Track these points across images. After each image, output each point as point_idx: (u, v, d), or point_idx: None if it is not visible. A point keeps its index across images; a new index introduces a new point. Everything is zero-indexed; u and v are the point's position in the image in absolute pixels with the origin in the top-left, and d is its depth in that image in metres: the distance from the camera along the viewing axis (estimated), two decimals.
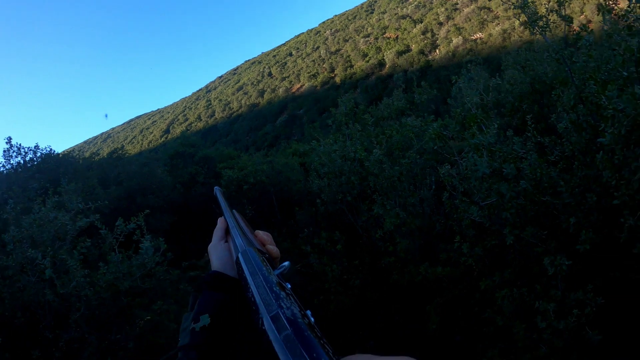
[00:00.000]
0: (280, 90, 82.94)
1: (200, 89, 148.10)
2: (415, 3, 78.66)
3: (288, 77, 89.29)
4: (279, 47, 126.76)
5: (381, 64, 67.96)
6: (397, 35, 72.80)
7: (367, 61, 70.93)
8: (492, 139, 3.77)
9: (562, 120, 4.44)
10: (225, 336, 0.83)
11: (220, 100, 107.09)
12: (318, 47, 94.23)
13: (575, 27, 4.95)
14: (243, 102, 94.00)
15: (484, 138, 3.72)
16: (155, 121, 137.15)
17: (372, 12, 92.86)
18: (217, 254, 1.00)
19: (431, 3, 75.43)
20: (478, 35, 58.81)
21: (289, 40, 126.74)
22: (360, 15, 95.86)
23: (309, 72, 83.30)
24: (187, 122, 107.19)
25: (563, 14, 4.87)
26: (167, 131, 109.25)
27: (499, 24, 56.82)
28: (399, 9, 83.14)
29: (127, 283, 5.61)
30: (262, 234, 1.01)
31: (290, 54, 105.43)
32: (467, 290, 4.93)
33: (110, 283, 5.54)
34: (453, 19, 66.76)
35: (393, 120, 9.12)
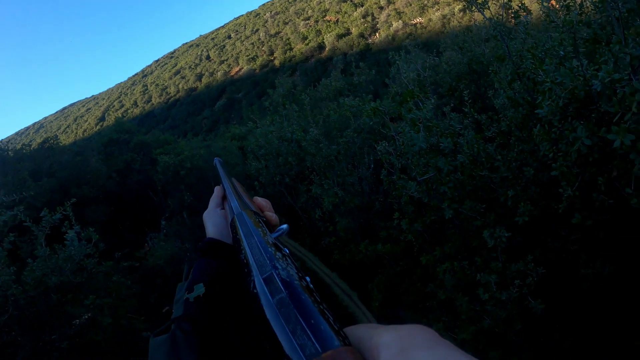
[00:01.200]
0: (219, 73, 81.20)
1: (136, 74, 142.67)
2: None
3: (227, 60, 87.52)
4: (218, 29, 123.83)
5: (321, 47, 67.91)
6: (338, 19, 72.87)
7: (307, 44, 70.65)
8: (429, 114, 3.70)
9: (498, 97, 4.43)
10: (221, 306, 0.80)
11: (157, 85, 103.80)
12: (257, 30, 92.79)
13: (514, 6, 4.93)
14: (180, 86, 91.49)
15: (420, 113, 3.63)
16: (89, 109, 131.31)
17: None
18: (212, 220, 0.97)
19: None
20: (418, 20, 59.80)
21: (227, 23, 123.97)
22: None
23: (248, 55, 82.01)
24: (123, 109, 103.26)
25: None
26: (102, 119, 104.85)
27: (438, 9, 57.95)
28: None
29: (55, 279, 5.18)
30: (260, 200, 0.98)
31: (229, 37, 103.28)
32: (408, 266, 4.94)
33: (39, 280, 5.10)
34: (394, 3, 67.47)
35: (331, 101, 8.98)
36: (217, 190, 1.09)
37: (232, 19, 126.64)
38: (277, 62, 72.24)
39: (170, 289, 7.35)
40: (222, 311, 0.80)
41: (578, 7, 4.28)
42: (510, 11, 4.95)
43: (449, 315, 3.81)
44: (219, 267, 0.85)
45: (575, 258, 3.54)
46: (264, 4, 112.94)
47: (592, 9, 4.58)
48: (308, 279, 0.52)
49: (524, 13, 4.84)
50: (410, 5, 63.57)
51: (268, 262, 0.55)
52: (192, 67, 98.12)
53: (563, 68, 3.15)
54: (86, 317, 5.48)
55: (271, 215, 0.91)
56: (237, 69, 79.41)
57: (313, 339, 0.39)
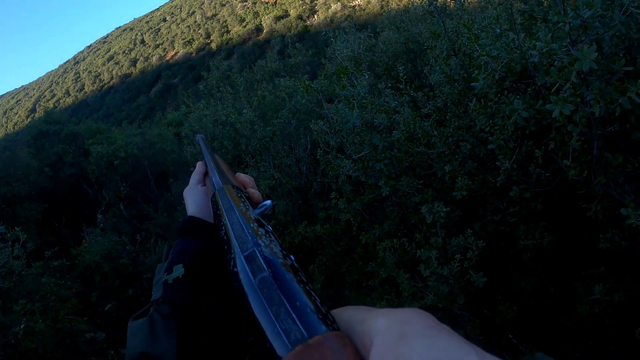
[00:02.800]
0: (154, 58, 78.47)
1: (67, 61, 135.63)
2: None
3: (162, 44, 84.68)
4: (153, 12, 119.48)
5: (259, 29, 67.00)
6: (276, 0, 71.95)
7: (245, 26, 69.48)
8: (363, 90, 3.60)
9: (434, 74, 4.41)
10: (202, 287, 0.77)
11: (90, 72, 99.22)
12: (194, 12, 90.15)
13: None
14: (114, 72, 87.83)
15: (354, 90, 3.53)
16: (19, 100, 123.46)
17: None
18: (193, 197, 0.93)
19: None
20: (357, 2, 60.00)
21: (163, 5, 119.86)
22: None
23: (184, 39, 79.69)
24: (55, 99, 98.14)
25: None
26: (33, 110, 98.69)
27: None
28: None
29: None
30: (243, 176, 0.94)
31: (164, 20, 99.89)
32: (349, 246, 4.92)
33: None
34: None
35: (267, 83, 8.79)
36: (199, 165, 1.04)
37: (167, 1, 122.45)
38: (213, 45, 70.65)
39: (109, 286, 6.99)
40: (203, 293, 0.77)
41: None
42: None
43: (392, 293, 3.79)
44: (200, 247, 0.82)
45: (515, 230, 3.58)
46: None
47: None
48: (292, 257, 0.48)
49: None
50: None
51: (250, 238, 0.51)
52: (126, 52, 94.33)
53: (499, 42, 3.13)
54: (23, 324, 5.13)
55: (254, 191, 0.87)
56: (172, 53, 77.05)
57: (298, 323, 0.36)
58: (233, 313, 0.77)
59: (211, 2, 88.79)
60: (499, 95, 3.11)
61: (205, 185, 0.98)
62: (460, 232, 3.34)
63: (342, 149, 4.13)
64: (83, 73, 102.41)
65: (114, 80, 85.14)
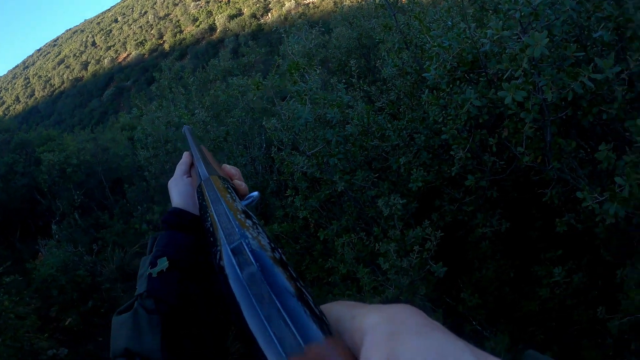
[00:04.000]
0: (106, 60, 76.39)
1: (17, 66, 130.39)
2: None
3: (114, 46, 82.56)
4: (104, 13, 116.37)
5: (212, 28, 66.18)
6: None
7: (198, 26, 68.53)
8: (315, 85, 3.57)
9: (387, 67, 4.42)
10: (188, 281, 0.75)
11: (40, 76, 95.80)
12: (146, 12, 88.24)
13: None
14: (65, 77, 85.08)
15: (306, 85, 3.50)
16: None
17: None
18: (178, 189, 0.90)
19: None
20: (310, 0, 60.03)
21: (114, 6, 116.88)
22: None
23: (136, 40, 77.89)
24: (5, 106, 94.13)
25: None
26: None
27: None
28: None
29: None
30: (229, 167, 0.92)
31: (116, 21, 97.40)
32: (307, 243, 4.90)
33: None
34: None
35: (220, 82, 8.67)
36: (185, 156, 1.00)
37: (119, 1, 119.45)
38: (167, 46, 69.37)
39: (68, 299, 6.73)
40: (189, 288, 0.75)
41: None
42: None
43: (353, 288, 3.79)
44: (185, 240, 0.79)
45: (472, 219, 3.62)
46: None
47: None
48: (280, 251, 0.44)
49: None
50: None
51: (237, 230, 0.47)
52: (77, 55, 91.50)
53: (450, 32, 3.15)
54: None
55: (240, 184, 0.85)
56: (125, 54, 75.18)
57: (293, 328, 0.32)
58: (221, 309, 0.75)
59: (163, 1, 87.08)
60: (451, 85, 3.12)
61: (190, 176, 0.95)
62: (419, 223, 3.35)
63: (296, 147, 4.09)
64: (33, 78, 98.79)
65: (65, 85, 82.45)
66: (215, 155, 6.05)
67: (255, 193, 0.75)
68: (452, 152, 3.15)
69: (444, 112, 3.26)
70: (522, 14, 2.44)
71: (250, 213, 0.55)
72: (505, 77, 2.55)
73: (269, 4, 64.72)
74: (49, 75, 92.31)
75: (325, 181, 3.91)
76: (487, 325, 3.49)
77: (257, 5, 64.83)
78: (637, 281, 2.59)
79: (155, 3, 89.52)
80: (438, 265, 3.10)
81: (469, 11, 3.62)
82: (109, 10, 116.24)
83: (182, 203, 0.86)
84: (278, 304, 0.34)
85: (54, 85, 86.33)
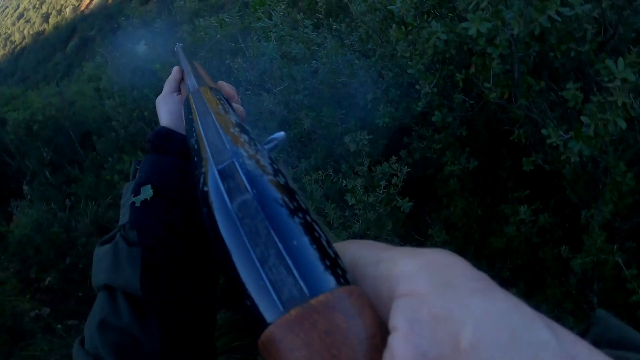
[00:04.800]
0: (67, 10, 72.66)
1: None
2: None
3: None
4: None
5: None
6: None
7: None
8: (280, 20, 3.48)
9: (355, 3, 4.35)
10: (173, 211, 0.68)
11: None
12: None
13: None
14: (26, 32, 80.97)
15: (270, 21, 3.41)
16: None
17: None
18: (167, 107, 0.82)
19: None
20: None
21: None
22: None
23: None
24: None
25: None
26: None
27: None
28: None
29: None
30: (226, 86, 0.84)
31: None
32: None
33: None
34: None
35: (187, 24, 8.45)
36: (175, 71, 0.92)
37: None
38: None
39: (45, 258, 6.71)
40: (175, 218, 0.68)
41: None
42: None
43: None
44: (172, 163, 0.72)
45: (441, 157, 3.60)
46: None
47: None
48: (285, 175, 0.35)
49: None
50: None
51: (228, 146, 0.37)
52: (37, 6, 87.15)
53: None
54: None
55: (238, 106, 0.79)
56: (87, 2, 71.88)
57: (296, 274, 0.24)
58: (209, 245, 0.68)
59: None
60: (418, 19, 3.07)
61: (181, 93, 0.88)
62: (387, 161, 3.37)
63: (264, 87, 4.04)
64: None
65: (26, 41, 78.52)
66: None
67: (281, 133, 0.62)
68: (417, 87, 3.13)
69: (411, 47, 3.22)
70: None
71: (247, 128, 0.45)
72: (470, 8, 2.52)
73: None
74: (9, 31, 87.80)
75: (293, 120, 3.87)
76: None
77: None
78: (600, 223, 2.65)
79: None
80: (404, 200, 3.14)
81: None
82: None
83: (170, 122, 0.79)
84: (278, 243, 0.27)
85: (15, 41, 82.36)
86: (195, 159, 0.43)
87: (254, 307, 0.25)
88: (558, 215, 3.27)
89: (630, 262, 2.63)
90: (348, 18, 5.12)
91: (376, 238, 3.31)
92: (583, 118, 2.24)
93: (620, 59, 2.06)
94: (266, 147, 0.51)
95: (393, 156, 3.32)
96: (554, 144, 2.44)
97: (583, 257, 2.69)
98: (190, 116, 0.58)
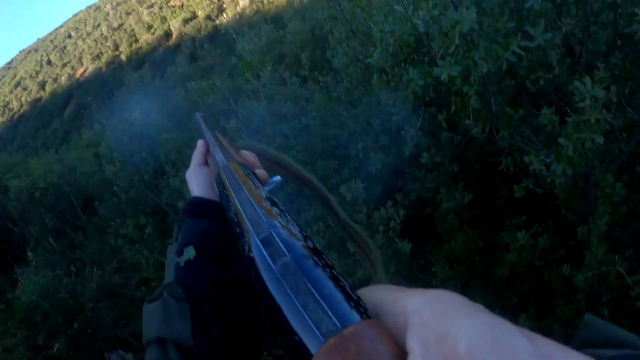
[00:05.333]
0: (63, 78, 74.04)
1: None
2: None
3: (69, 62, 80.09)
4: (57, 29, 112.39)
5: (168, 34, 64.70)
6: (182, 3, 69.97)
7: (153, 33, 66.97)
8: (268, 81, 3.63)
9: (337, 56, 4.50)
10: (214, 269, 0.76)
11: None
12: (99, 25, 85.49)
13: None
14: (24, 99, 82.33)
15: (259, 82, 3.56)
16: None
17: None
18: (197, 179, 0.90)
19: None
20: None
21: (67, 21, 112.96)
22: None
23: (92, 54, 75.79)
24: None
25: None
26: None
27: None
28: None
29: None
30: (247, 154, 0.91)
31: (70, 36, 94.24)
32: None
33: None
34: None
35: (179, 88, 8.66)
36: (200, 145, 0.99)
37: (71, 16, 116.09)
38: (123, 57, 67.30)
39: (53, 324, 6.68)
40: (216, 274, 0.76)
41: None
42: None
43: None
44: (209, 227, 0.80)
45: (436, 195, 3.71)
46: None
47: None
48: (312, 239, 0.43)
49: None
50: None
51: (264, 219, 0.46)
52: (34, 75, 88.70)
53: (391, 17, 3.23)
54: None
55: (261, 171, 0.85)
56: (82, 70, 72.94)
57: (330, 313, 0.32)
58: (251, 295, 0.77)
59: (116, 12, 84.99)
60: (395, 68, 3.21)
61: (208, 165, 0.95)
62: (382, 203, 3.44)
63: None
64: None
65: (24, 108, 79.79)
66: (184, 161, 6.04)
67: (277, 177, 0.74)
68: (402, 133, 3.24)
69: (393, 94, 3.36)
70: None
71: (276, 200, 0.53)
72: (439, 54, 2.66)
73: (223, 4, 63.76)
74: (7, 99, 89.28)
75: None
76: (462, 295, 3.61)
77: (211, 6, 63.83)
78: (598, 236, 2.71)
79: (107, 14, 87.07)
80: (404, 242, 3.20)
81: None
82: (61, 26, 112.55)
83: (202, 192, 0.86)
84: (314, 292, 0.34)
85: (13, 109, 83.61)
86: (237, 230, 0.51)
87: (301, 341, 0.33)
88: (558, 234, 3.34)
89: (634, 269, 2.67)
90: (332, 71, 5.31)
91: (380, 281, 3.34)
92: (561, 140, 2.34)
93: (588, 78, 2.18)
94: (266, 188, 0.64)
95: (389, 200, 3.40)
96: (537, 169, 2.54)
97: (585, 273, 2.75)
98: (224, 191, 0.64)
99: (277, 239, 0.41)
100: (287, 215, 0.48)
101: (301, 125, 3.53)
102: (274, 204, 0.51)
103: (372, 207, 3.56)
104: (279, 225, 0.44)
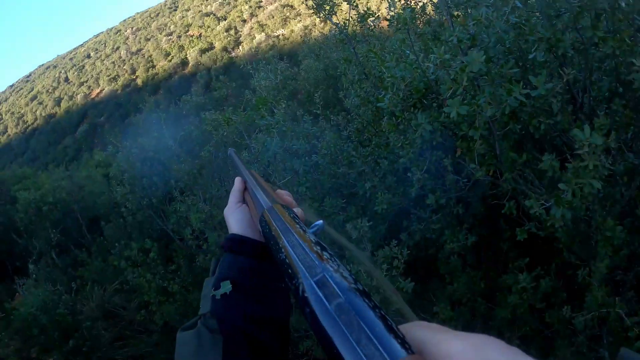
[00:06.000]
0: (79, 96, 75.25)
1: None
2: (220, 0, 78.00)
3: (86, 81, 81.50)
4: (77, 48, 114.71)
5: (184, 62, 65.92)
6: (201, 33, 71.47)
7: (170, 60, 68.24)
8: (282, 118, 3.76)
9: (349, 97, 4.63)
10: (250, 304, 0.79)
11: (12, 113, 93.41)
12: (118, 48, 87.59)
13: (362, 11, 5.19)
14: (38, 113, 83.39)
15: (272, 119, 3.69)
16: None
17: (175, 10, 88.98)
18: (235, 217, 0.92)
19: (235, 0, 75.40)
20: (280, 32, 60.57)
21: (87, 41, 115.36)
22: (164, 13, 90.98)
23: (109, 75, 77.05)
24: None
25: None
26: None
27: (300, 21, 59.02)
28: (202, 6, 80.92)
29: None
30: (283, 193, 0.95)
31: (89, 56, 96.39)
32: None
33: None
34: (256, 16, 67.63)
35: (193, 117, 8.81)
36: (238, 183, 1.03)
37: (91, 36, 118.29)
38: (139, 81, 68.65)
39: (49, 339, 6.63)
40: (251, 310, 0.78)
41: (420, 9, 4.62)
42: (355, 16, 5.21)
43: None
44: (248, 264, 0.83)
45: (440, 236, 3.79)
46: (124, 20, 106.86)
47: (432, 10, 5.05)
48: (360, 282, 0.47)
49: (371, 18, 5.17)
50: (273, 17, 64.17)
51: (317, 263, 0.50)
52: (50, 91, 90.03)
53: (402, 63, 3.36)
54: None
55: (298, 211, 0.87)
56: (98, 90, 74.30)
57: (380, 349, 0.36)
58: (284, 332, 0.81)
59: (136, 37, 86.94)
60: (405, 112, 3.34)
61: (245, 203, 0.97)
62: (386, 242, 3.51)
63: (267, 178, 4.24)
64: (6, 115, 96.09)
65: (38, 122, 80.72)
66: (193, 191, 6.12)
67: (320, 222, 0.75)
68: (409, 174, 3.34)
69: (402, 137, 3.48)
70: (459, 39, 2.69)
71: (324, 245, 0.56)
72: (448, 95, 2.77)
73: (240, 37, 65.15)
74: (22, 111, 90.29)
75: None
76: None
77: (228, 39, 65.18)
78: (599, 279, 2.76)
79: (127, 38, 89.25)
80: (407, 281, 3.26)
81: (417, 43, 3.88)
82: (81, 45, 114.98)
83: (241, 230, 0.89)
84: (366, 329, 0.38)
85: (27, 122, 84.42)
86: (289, 271, 0.54)
87: None
88: (560, 277, 3.40)
89: (636, 311, 2.72)
90: (344, 111, 5.45)
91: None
92: (561, 185, 2.43)
93: (587, 126, 2.28)
94: (311, 231, 0.65)
95: (393, 240, 3.47)
96: (537, 213, 2.61)
97: (585, 315, 2.79)
98: (271, 233, 0.66)
99: (331, 281, 0.46)
100: (336, 259, 0.51)
101: (311, 162, 3.63)
102: (323, 248, 0.54)
103: (376, 245, 3.62)
104: (331, 268, 0.48)
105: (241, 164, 1.15)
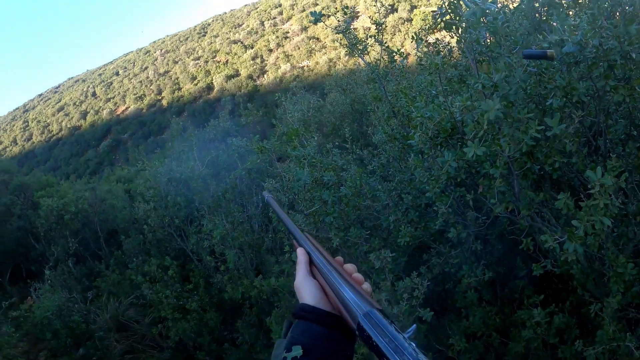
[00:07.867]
0: (105, 112, 76.88)
1: (17, 108, 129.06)
2: (248, 29, 79.92)
3: (113, 98, 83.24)
4: (106, 65, 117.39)
5: (209, 87, 67.18)
6: (227, 60, 73.06)
7: (196, 84, 69.62)
8: (313, 150, 3.94)
9: (377, 133, 4.80)
10: None
11: (39, 121, 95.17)
12: (147, 68, 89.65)
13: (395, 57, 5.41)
14: (64, 124, 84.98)
15: (305, 150, 3.87)
16: None
17: (204, 35, 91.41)
18: (308, 291, 0.95)
19: (263, 30, 77.18)
20: (305, 63, 61.63)
21: (117, 59, 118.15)
22: (193, 37, 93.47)
23: (135, 94, 78.69)
24: (1, 147, 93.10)
25: (380, 39, 5.27)
26: None
27: (325, 53, 60.21)
28: (231, 33, 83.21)
29: None
30: (350, 267, 0.98)
31: (117, 74, 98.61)
32: None
33: None
34: (283, 46, 69.07)
35: (219, 142, 9.05)
36: (301, 254, 1.06)
37: (121, 55, 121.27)
38: (165, 102, 70.01)
39: (60, 344, 6.68)
40: None
41: (447, 52, 4.82)
42: (386, 56, 5.42)
43: None
44: (319, 331, 0.86)
45: (458, 270, 3.90)
46: (154, 42, 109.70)
47: (458, 53, 5.25)
48: None
49: (400, 58, 5.39)
50: (299, 48, 65.52)
51: None
52: (77, 103, 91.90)
53: (432, 104, 3.53)
54: None
55: (368, 287, 0.92)
56: (123, 107, 75.89)
57: None
58: None
59: (164, 58, 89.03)
60: (432, 150, 3.50)
61: (313, 276, 1.00)
62: (409, 276, 3.61)
63: (293, 206, 4.39)
64: (32, 122, 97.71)
65: (63, 132, 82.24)
66: (215, 213, 6.28)
67: (414, 326, 0.77)
68: (434, 208, 3.47)
69: (427, 173, 3.62)
70: (483, 85, 2.88)
71: (416, 346, 0.64)
72: (470, 137, 2.93)
73: (265, 66, 66.38)
74: (48, 121, 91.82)
75: (321, 238, 4.16)
76: None
77: (254, 67, 66.47)
78: (610, 315, 2.85)
79: (156, 60, 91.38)
80: (426, 310, 3.35)
81: (445, 87, 4.05)
82: (111, 62, 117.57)
83: (314, 302, 0.91)
84: None
85: (52, 131, 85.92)
86: None
87: None
88: (574, 314, 3.47)
89: None
90: (370, 145, 5.61)
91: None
92: (574, 222, 2.56)
93: (599, 168, 2.43)
94: (407, 334, 0.70)
95: (414, 272, 3.58)
96: (551, 247, 2.72)
97: (596, 348, 2.86)
98: (371, 340, 0.71)
99: None
100: (424, 354, 0.59)
101: (339, 193, 3.78)
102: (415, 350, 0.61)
103: (395, 276, 3.73)
104: None
105: (290, 222, 1.20)
